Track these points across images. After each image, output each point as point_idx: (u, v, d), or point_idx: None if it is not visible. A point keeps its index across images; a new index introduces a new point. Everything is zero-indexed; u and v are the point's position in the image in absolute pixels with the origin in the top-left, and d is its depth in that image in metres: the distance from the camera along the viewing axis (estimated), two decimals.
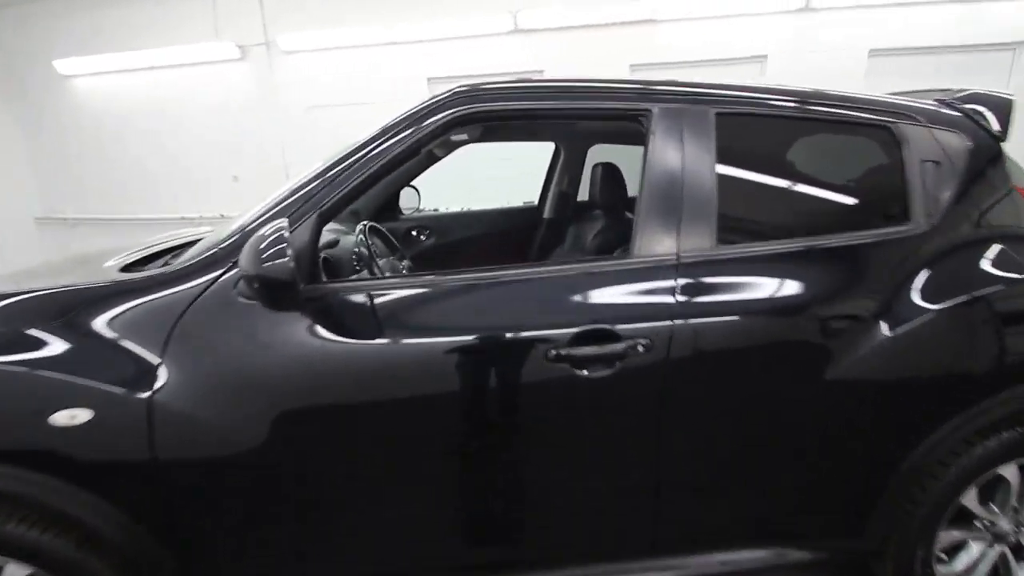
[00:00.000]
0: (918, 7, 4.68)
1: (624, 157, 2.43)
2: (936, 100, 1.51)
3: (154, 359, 1.12)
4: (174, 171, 5.69)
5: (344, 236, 1.88)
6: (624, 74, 4.61)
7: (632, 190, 2.33)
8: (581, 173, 2.78)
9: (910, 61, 4.83)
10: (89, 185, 5.92)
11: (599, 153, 2.72)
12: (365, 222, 1.88)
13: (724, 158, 1.32)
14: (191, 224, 5.20)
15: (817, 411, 1.30)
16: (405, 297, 1.25)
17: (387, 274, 1.74)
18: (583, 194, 2.80)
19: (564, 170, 2.81)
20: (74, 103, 5.72)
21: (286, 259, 1.04)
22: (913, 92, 1.64)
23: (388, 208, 2.72)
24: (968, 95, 1.51)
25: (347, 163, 1.26)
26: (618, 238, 2.19)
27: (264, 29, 5.21)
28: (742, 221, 1.38)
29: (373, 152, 1.26)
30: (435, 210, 3.99)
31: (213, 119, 5.50)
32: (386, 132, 1.28)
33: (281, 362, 1.15)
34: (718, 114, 1.34)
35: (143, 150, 5.68)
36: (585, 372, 1.20)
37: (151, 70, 5.43)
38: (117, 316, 1.15)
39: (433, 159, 2.51)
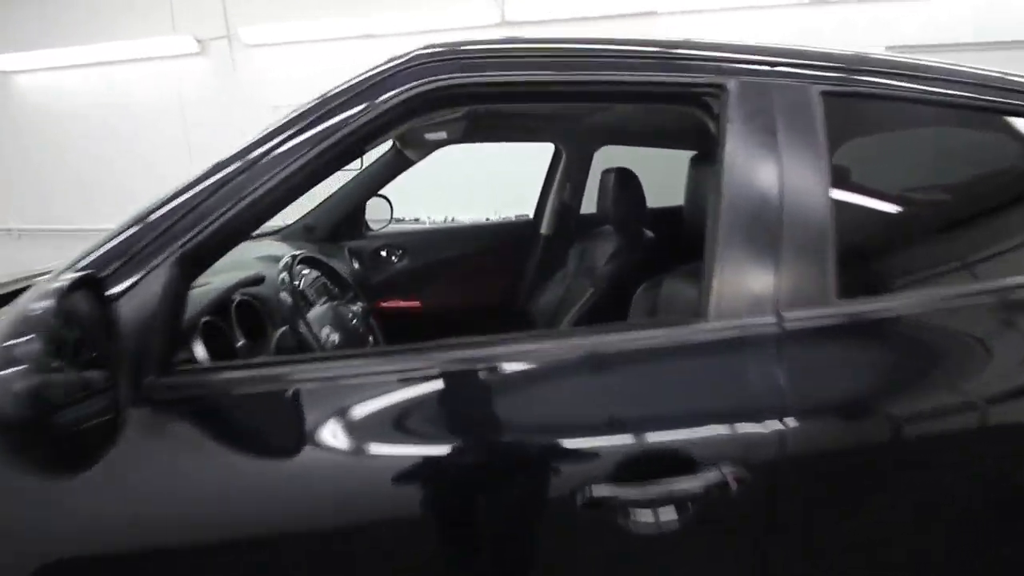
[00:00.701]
0: (934, 2, 4.39)
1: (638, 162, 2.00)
2: None
3: None
4: (131, 176, 5.15)
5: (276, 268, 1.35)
6: None
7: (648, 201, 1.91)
8: (586, 180, 2.31)
9: (926, 59, 4.57)
10: (36, 192, 5.35)
11: (606, 158, 2.28)
12: (294, 253, 1.31)
13: (838, 161, 0.85)
14: None
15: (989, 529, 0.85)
16: (337, 390, 0.74)
17: (322, 334, 1.21)
18: (586, 206, 2.34)
19: (565, 177, 2.34)
20: (17, 101, 5.19)
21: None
22: None
23: (351, 223, 2.21)
24: None
25: (243, 163, 0.77)
26: (637, 262, 1.77)
27: (225, 21, 4.76)
28: (870, 260, 0.90)
29: (285, 146, 0.78)
30: (416, 220, 3.49)
31: (171, 119, 5.00)
32: (300, 121, 0.80)
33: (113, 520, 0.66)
34: (824, 94, 0.86)
35: (96, 153, 5.15)
36: (637, 519, 0.72)
37: (101, 66, 4.93)
38: None
39: (405, 163, 2.03)
